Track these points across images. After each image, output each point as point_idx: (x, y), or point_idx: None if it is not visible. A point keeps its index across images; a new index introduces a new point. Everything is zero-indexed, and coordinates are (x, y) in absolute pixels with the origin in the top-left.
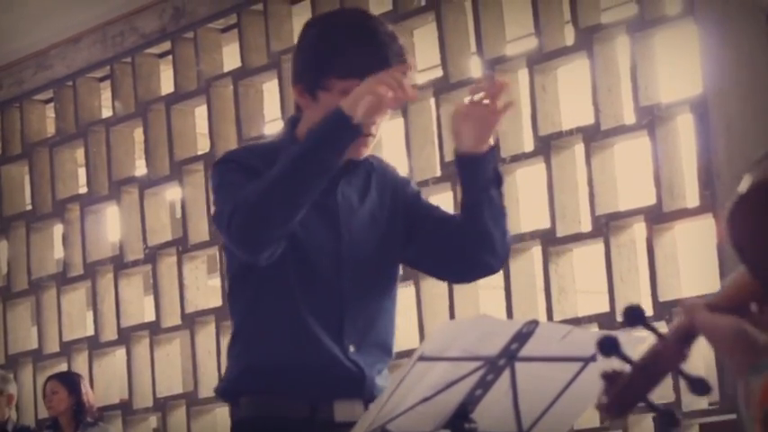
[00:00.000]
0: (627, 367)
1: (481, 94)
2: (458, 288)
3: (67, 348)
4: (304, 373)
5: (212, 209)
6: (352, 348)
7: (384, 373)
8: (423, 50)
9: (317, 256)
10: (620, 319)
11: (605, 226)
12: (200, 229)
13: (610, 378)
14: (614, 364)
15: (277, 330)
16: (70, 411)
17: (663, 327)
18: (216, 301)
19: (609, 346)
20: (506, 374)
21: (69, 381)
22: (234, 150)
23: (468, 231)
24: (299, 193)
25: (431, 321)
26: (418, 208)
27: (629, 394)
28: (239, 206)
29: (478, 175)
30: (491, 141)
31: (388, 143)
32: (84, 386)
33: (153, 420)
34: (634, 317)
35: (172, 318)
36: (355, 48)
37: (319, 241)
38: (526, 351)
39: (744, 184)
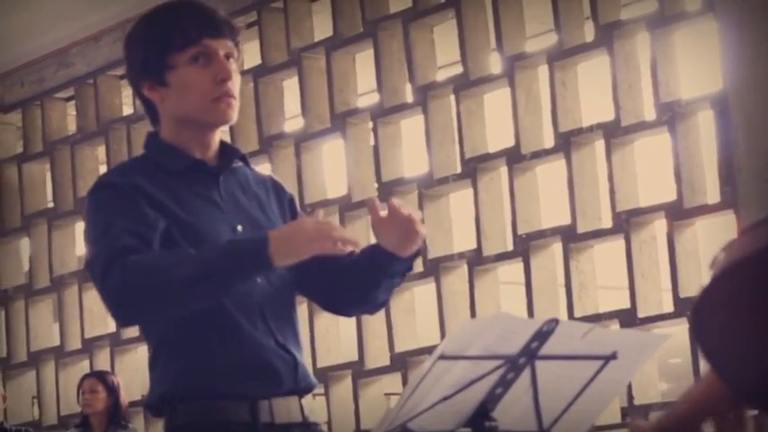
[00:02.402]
0: None
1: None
2: (479, 284)
3: (89, 345)
4: (239, 368)
5: (84, 242)
6: (279, 337)
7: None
8: (443, 47)
9: None
10: (640, 315)
11: (626, 222)
12: None
13: None
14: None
15: (206, 330)
16: (106, 412)
17: (684, 323)
18: None
19: None
20: (527, 373)
21: (109, 380)
22: (108, 173)
23: (353, 291)
24: (191, 301)
25: (451, 318)
26: None
27: None
28: (125, 271)
29: (391, 268)
30: (414, 248)
31: (408, 140)
32: (121, 387)
33: None
34: None
35: None
36: (182, 18)
37: (217, 236)
38: (546, 349)
39: (709, 275)
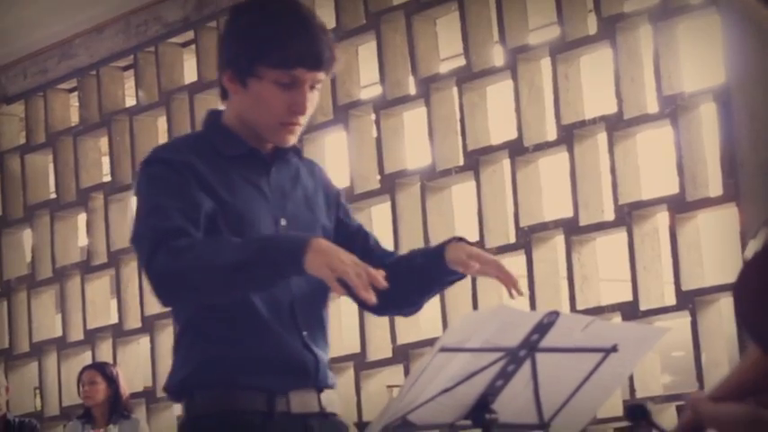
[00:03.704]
0: None
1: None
2: (481, 277)
3: (91, 336)
4: (260, 362)
5: (134, 216)
6: (305, 333)
7: (327, 365)
8: (446, 40)
9: None
10: (642, 307)
11: (628, 215)
12: None
13: None
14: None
15: (231, 321)
16: (107, 403)
17: (686, 316)
18: None
19: (638, 414)
20: (527, 365)
21: (108, 371)
22: (162, 147)
23: (397, 293)
24: (228, 290)
25: (453, 311)
26: (351, 225)
27: None
28: (170, 255)
29: (449, 279)
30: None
31: (411, 132)
32: (121, 378)
33: (177, 408)
34: (637, 415)
35: None
36: (290, 39)
37: (260, 228)
38: (547, 342)
39: (752, 248)
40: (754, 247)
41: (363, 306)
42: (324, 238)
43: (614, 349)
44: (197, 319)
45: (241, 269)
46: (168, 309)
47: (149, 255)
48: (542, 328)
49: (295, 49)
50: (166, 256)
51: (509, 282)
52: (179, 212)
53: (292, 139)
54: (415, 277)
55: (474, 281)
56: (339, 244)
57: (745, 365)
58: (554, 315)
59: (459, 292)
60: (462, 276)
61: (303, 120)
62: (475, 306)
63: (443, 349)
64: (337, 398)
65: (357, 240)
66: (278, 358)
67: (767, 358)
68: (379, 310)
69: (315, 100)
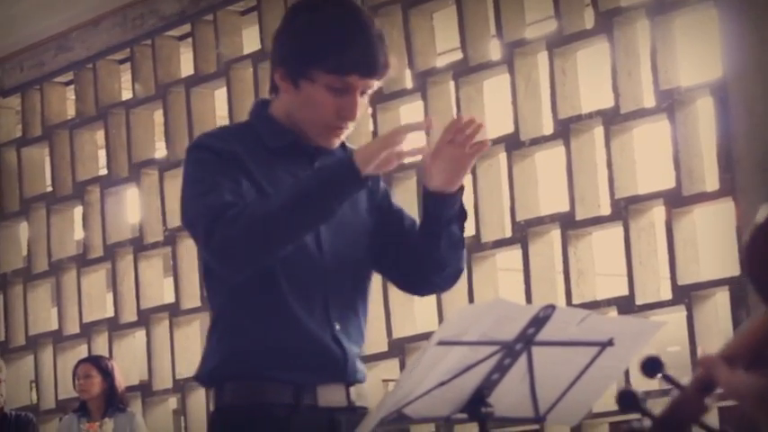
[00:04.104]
0: (648, 422)
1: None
2: (477, 271)
3: (87, 330)
4: (289, 355)
5: (183, 199)
6: (337, 326)
7: (360, 357)
8: (442, 33)
9: None
10: (638, 302)
11: (624, 209)
12: None
13: None
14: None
15: (261, 314)
16: (102, 396)
17: (682, 311)
18: None
19: (628, 401)
20: (523, 359)
21: (103, 365)
22: (208, 134)
23: (423, 256)
24: (292, 231)
25: (449, 305)
26: (389, 208)
27: None
28: (227, 224)
29: (443, 211)
30: (462, 182)
31: None
32: (116, 371)
33: (173, 402)
34: (628, 402)
35: (191, 299)
36: (347, 45)
37: None
38: (543, 335)
39: (763, 213)
40: (765, 211)
41: (406, 285)
42: (363, 231)
43: (610, 343)
44: (228, 311)
45: (299, 203)
46: (166, 302)
47: (207, 232)
48: (538, 321)
49: (351, 56)
50: (224, 227)
51: (465, 127)
52: (229, 191)
53: (337, 142)
54: (425, 231)
55: (470, 276)
56: (378, 230)
57: (755, 325)
58: (550, 309)
59: (454, 288)
60: (461, 208)
61: (351, 125)
62: (471, 300)
63: (439, 342)
64: (369, 392)
65: (392, 223)
66: (305, 352)
67: None
68: (414, 286)
69: (365, 106)
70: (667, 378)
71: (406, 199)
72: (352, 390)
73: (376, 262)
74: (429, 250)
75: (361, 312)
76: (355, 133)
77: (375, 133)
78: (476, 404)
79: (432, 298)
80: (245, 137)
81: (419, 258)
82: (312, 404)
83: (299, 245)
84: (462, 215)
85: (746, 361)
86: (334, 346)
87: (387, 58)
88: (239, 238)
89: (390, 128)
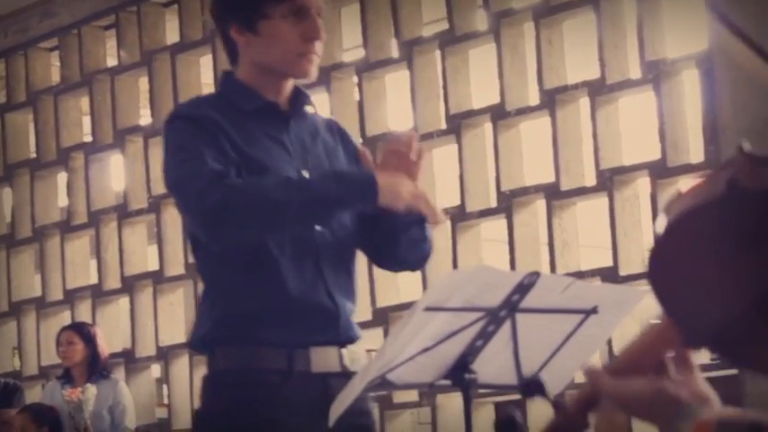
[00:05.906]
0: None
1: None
2: (461, 241)
3: (71, 296)
4: (280, 314)
5: (166, 165)
6: (331, 285)
7: (353, 316)
8: (429, 3)
9: None
10: (622, 273)
11: (609, 180)
12: None
13: None
14: None
15: (252, 277)
16: (85, 362)
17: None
18: None
19: (533, 389)
20: (507, 326)
21: (85, 331)
22: (184, 104)
23: (384, 251)
24: (291, 225)
25: (434, 274)
26: None
27: None
28: (229, 191)
29: (398, 221)
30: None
31: (393, 95)
32: (99, 338)
33: (156, 369)
34: (533, 389)
35: (175, 267)
36: None
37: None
38: (527, 302)
39: (661, 223)
40: (663, 220)
41: (377, 261)
42: None
43: (594, 311)
44: (219, 277)
45: (310, 203)
46: (150, 269)
47: (199, 194)
48: (523, 288)
49: None
50: (222, 192)
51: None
52: (213, 159)
53: (312, 70)
54: (383, 231)
55: (454, 245)
56: None
57: (647, 337)
58: (534, 276)
59: (439, 257)
60: (422, 219)
61: (319, 48)
62: (455, 268)
63: (427, 309)
64: (364, 355)
65: None
66: (299, 308)
67: (672, 329)
68: (386, 264)
69: (324, 33)
70: (547, 399)
71: None
72: (346, 353)
73: (355, 233)
74: (389, 248)
75: (352, 270)
76: (341, 103)
77: (361, 103)
78: (459, 371)
79: None
80: (219, 104)
81: (384, 246)
82: (305, 370)
83: None
84: (422, 218)
85: (633, 373)
86: (327, 301)
87: None
88: (238, 208)
89: (376, 99)
